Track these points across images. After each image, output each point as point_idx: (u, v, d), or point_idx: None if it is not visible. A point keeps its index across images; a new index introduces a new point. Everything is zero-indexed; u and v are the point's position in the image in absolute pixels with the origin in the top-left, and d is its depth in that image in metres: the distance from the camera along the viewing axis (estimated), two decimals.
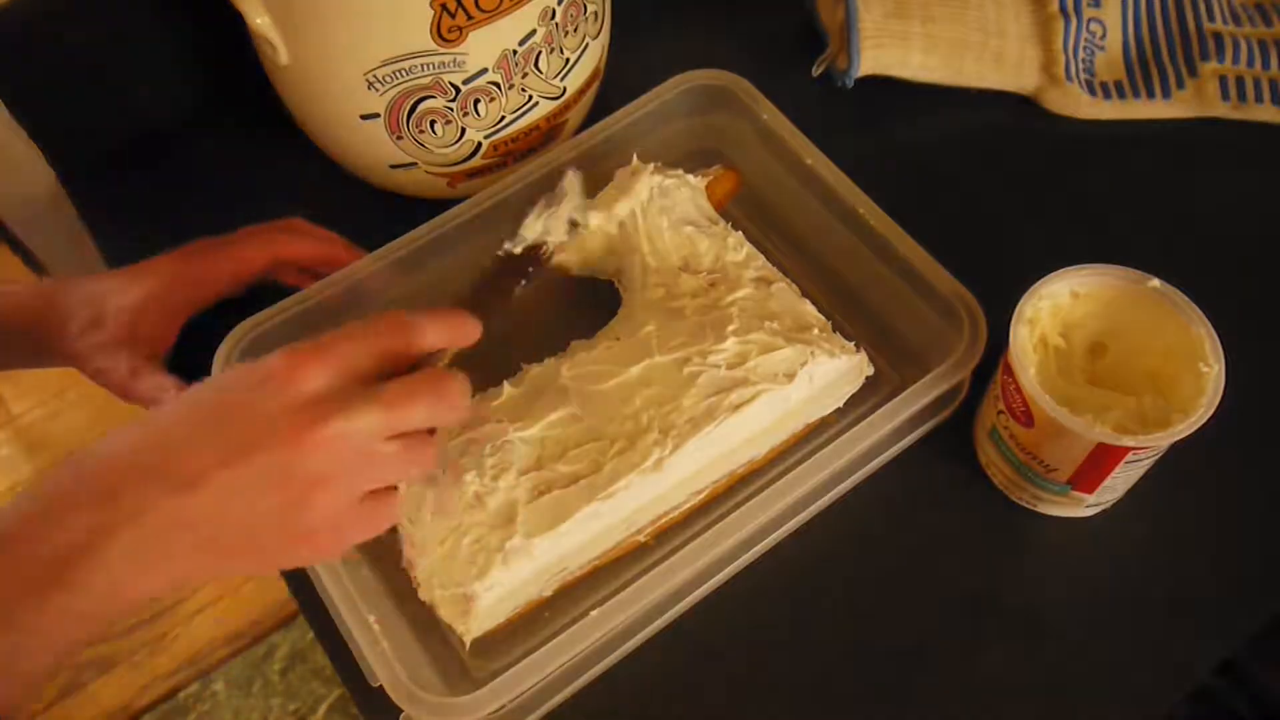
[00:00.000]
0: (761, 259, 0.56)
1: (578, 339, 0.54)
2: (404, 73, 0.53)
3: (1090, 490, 0.50)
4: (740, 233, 0.57)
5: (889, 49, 0.66)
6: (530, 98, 0.57)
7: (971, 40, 0.67)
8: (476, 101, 0.55)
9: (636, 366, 0.51)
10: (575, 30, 0.57)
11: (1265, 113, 0.66)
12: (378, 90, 0.54)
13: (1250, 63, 0.66)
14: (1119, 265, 0.49)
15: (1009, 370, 0.48)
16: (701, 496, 0.52)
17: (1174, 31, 0.68)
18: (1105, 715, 0.49)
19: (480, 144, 0.58)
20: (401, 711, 0.44)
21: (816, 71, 0.68)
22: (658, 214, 0.56)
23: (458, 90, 0.54)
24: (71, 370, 0.54)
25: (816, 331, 0.53)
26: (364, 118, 0.55)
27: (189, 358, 0.56)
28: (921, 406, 0.50)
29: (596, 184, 0.59)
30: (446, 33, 0.52)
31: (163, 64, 0.65)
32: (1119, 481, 0.49)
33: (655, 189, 0.56)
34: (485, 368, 0.54)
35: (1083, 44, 0.67)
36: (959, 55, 0.66)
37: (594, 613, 0.45)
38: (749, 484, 0.53)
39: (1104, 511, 0.53)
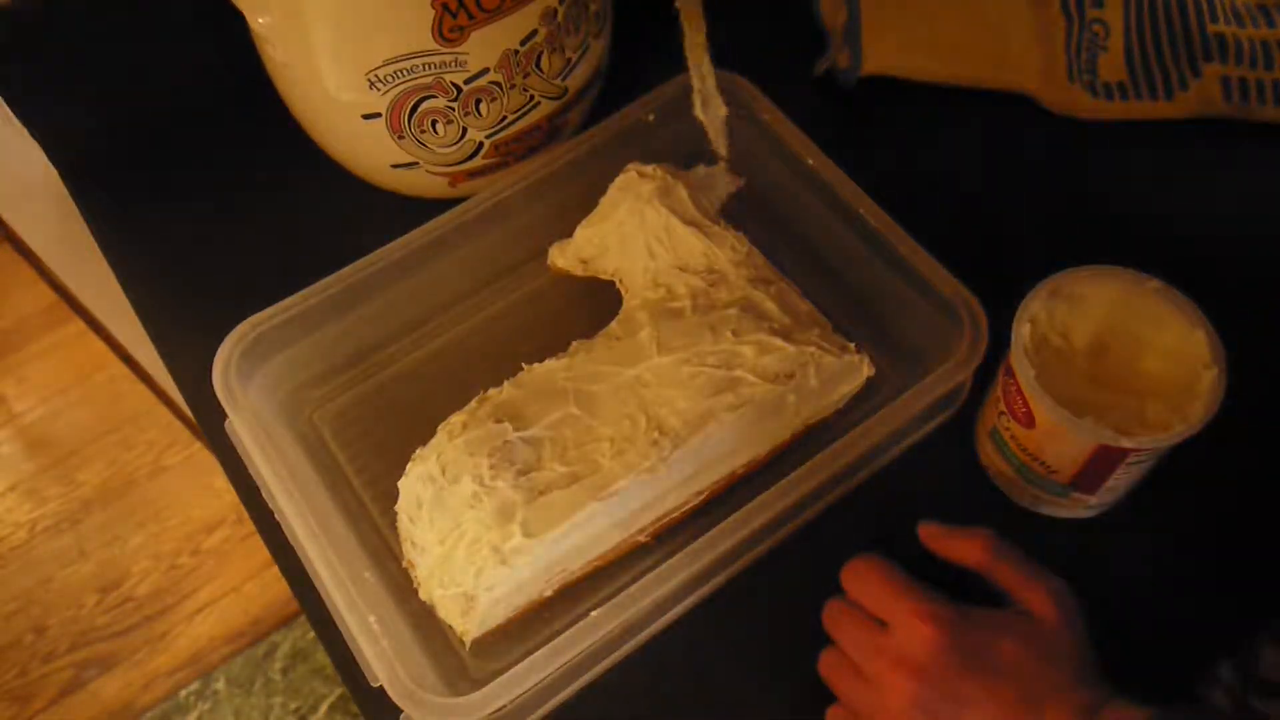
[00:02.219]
0: (761, 259, 0.56)
1: (578, 339, 0.54)
2: (405, 72, 0.53)
3: (1091, 491, 0.50)
4: (740, 233, 0.57)
5: (891, 51, 0.66)
6: (532, 98, 0.57)
7: (973, 41, 0.66)
8: (478, 101, 0.55)
9: (636, 367, 0.52)
10: (577, 30, 0.57)
11: (1267, 113, 0.66)
12: (379, 90, 0.54)
13: (1253, 64, 0.66)
14: (1120, 266, 0.49)
15: (1009, 371, 0.48)
16: (701, 496, 0.52)
17: (1176, 32, 0.68)
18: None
19: (482, 144, 0.58)
20: (401, 711, 0.44)
21: (818, 71, 0.68)
22: (658, 214, 0.56)
23: (459, 90, 0.54)
24: (74, 368, 0.54)
25: (816, 331, 0.53)
26: (365, 117, 0.55)
27: (189, 355, 0.56)
28: (922, 407, 0.50)
29: (596, 185, 0.59)
30: (448, 33, 0.52)
31: (163, 63, 0.65)
32: (1120, 482, 0.49)
33: (655, 189, 0.56)
34: (486, 367, 0.54)
35: (1085, 45, 0.67)
36: (961, 56, 0.66)
37: (594, 613, 0.45)
38: (749, 484, 0.53)
39: (1105, 512, 0.53)
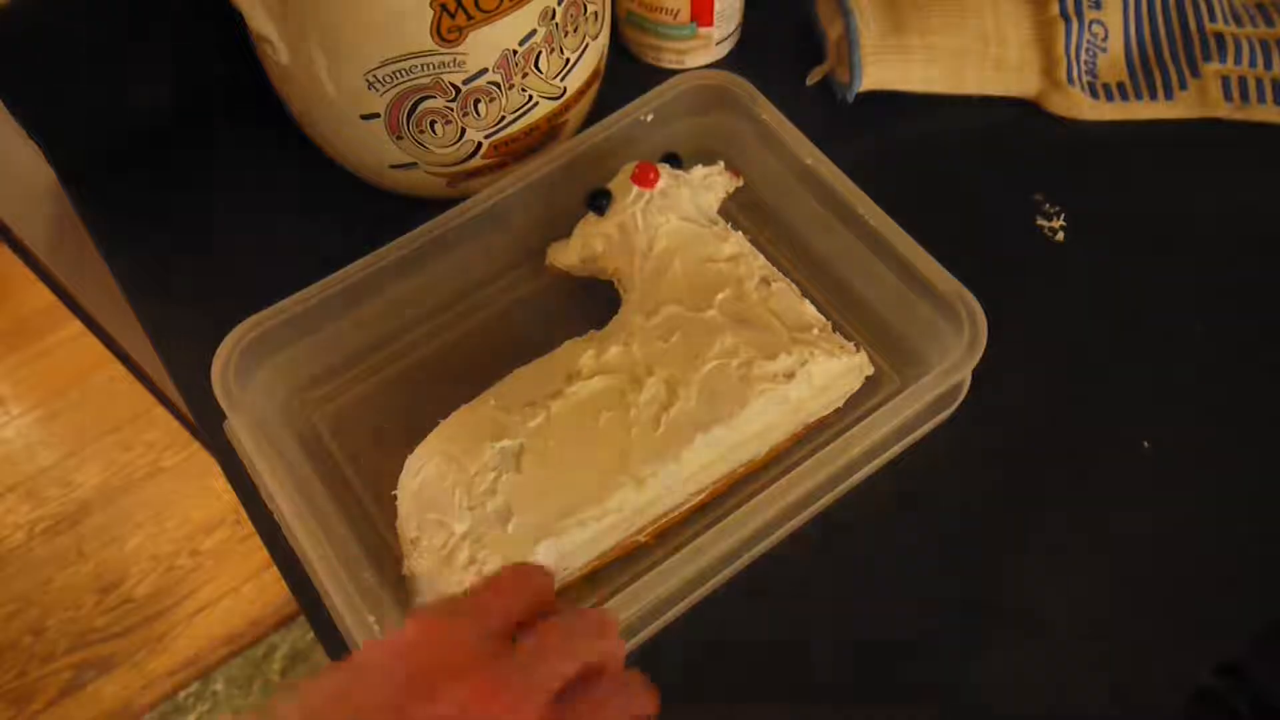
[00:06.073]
0: (761, 259, 0.56)
1: (577, 339, 0.54)
2: (404, 73, 0.53)
3: (709, 22, 0.64)
4: (740, 233, 0.57)
5: (890, 65, 0.65)
6: (530, 98, 0.57)
7: (971, 49, 0.66)
8: (477, 102, 0.55)
9: (636, 367, 0.51)
10: (575, 30, 0.57)
11: (1267, 113, 0.66)
12: (378, 90, 0.54)
13: (1252, 63, 0.66)
14: None
15: None
16: (701, 496, 0.52)
17: (1175, 32, 0.68)
18: (1105, 717, 0.49)
19: (480, 144, 0.58)
20: None
21: (811, 81, 0.67)
22: (657, 214, 0.56)
23: (458, 90, 0.54)
24: (72, 369, 0.53)
25: (816, 331, 0.53)
26: (364, 118, 0.55)
27: (187, 356, 0.56)
28: (921, 407, 0.50)
29: (596, 185, 0.59)
30: (446, 33, 0.52)
31: (163, 64, 0.65)
32: (726, 6, 0.63)
33: (655, 189, 0.56)
34: (486, 367, 0.54)
35: (1084, 46, 0.67)
36: (960, 65, 0.66)
37: None
38: (749, 484, 0.53)
39: (1104, 511, 0.53)
